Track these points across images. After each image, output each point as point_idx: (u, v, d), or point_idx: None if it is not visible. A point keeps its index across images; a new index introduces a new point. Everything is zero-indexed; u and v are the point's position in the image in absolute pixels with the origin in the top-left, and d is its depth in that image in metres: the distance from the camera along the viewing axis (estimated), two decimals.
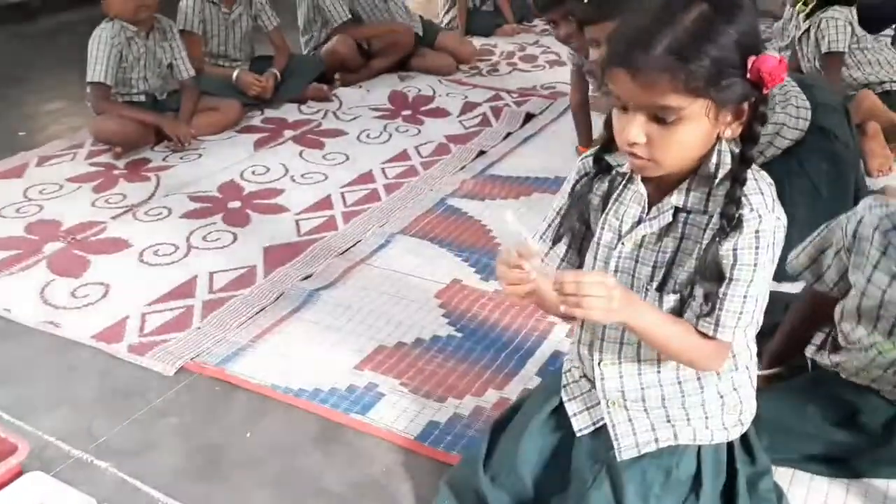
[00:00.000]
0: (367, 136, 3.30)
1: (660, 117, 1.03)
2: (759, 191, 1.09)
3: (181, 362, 1.89)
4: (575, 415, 1.30)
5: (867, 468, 1.49)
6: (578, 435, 1.28)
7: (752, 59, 1.01)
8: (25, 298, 2.18)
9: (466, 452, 1.54)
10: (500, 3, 4.82)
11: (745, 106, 1.06)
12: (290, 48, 3.76)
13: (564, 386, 1.33)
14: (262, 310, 2.10)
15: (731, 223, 1.06)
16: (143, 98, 3.20)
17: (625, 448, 1.23)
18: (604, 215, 1.21)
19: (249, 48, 3.70)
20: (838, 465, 1.49)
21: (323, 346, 1.95)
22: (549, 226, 1.27)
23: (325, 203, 2.72)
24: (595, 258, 1.22)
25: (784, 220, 1.10)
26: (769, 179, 1.12)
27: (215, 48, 3.58)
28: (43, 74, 4.16)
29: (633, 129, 1.05)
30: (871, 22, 3.17)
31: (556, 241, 1.25)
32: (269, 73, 3.57)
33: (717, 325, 1.11)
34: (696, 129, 1.05)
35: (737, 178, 1.08)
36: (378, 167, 2.99)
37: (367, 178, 2.91)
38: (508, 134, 3.26)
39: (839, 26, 2.92)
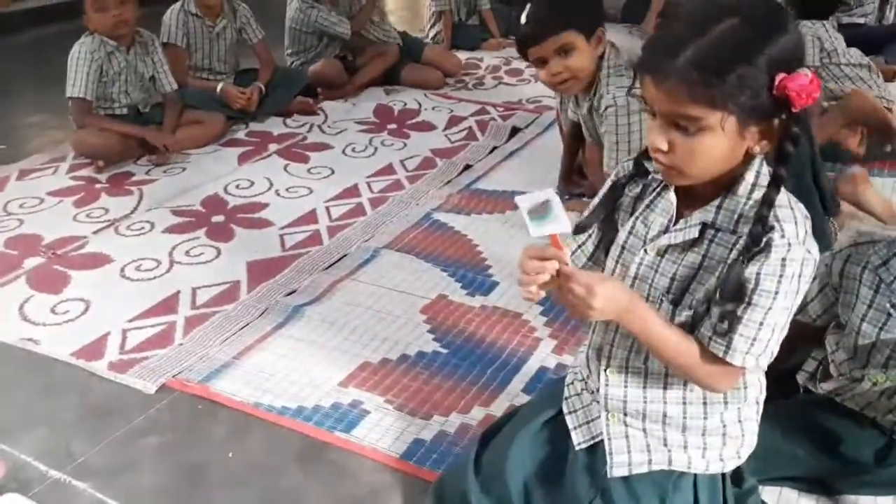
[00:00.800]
0: (353, 149, 3.29)
1: (682, 125, 1.04)
2: (794, 220, 1.07)
3: (163, 380, 1.86)
4: (574, 428, 1.28)
5: (855, 489, 1.48)
6: (577, 449, 1.27)
7: (780, 76, 1.00)
8: (4, 315, 2.14)
9: (456, 460, 1.51)
10: (485, 17, 4.83)
11: (776, 123, 1.05)
12: (275, 61, 3.75)
13: (566, 398, 1.32)
14: (245, 326, 2.08)
15: (756, 243, 1.05)
16: (125, 111, 3.18)
17: (616, 465, 1.21)
18: (631, 219, 1.20)
19: (234, 61, 3.68)
20: (826, 486, 1.49)
21: (307, 363, 1.93)
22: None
23: (310, 217, 2.70)
24: (616, 261, 1.21)
25: (815, 255, 1.08)
26: (805, 212, 1.10)
27: (199, 61, 3.56)
28: (25, 87, 4.13)
29: (657, 136, 1.06)
30: (863, 45, 3.21)
31: (576, 231, 1.24)
32: (254, 86, 3.56)
33: (728, 347, 1.09)
34: (719, 141, 1.04)
35: (765, 199, 1.06)
36: (363, 181, 2.98)
37: (352, 192, 2.90)
38: (494, 148, 3.25)
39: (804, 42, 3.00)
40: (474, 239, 2.51)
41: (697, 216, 1.12)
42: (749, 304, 1.07)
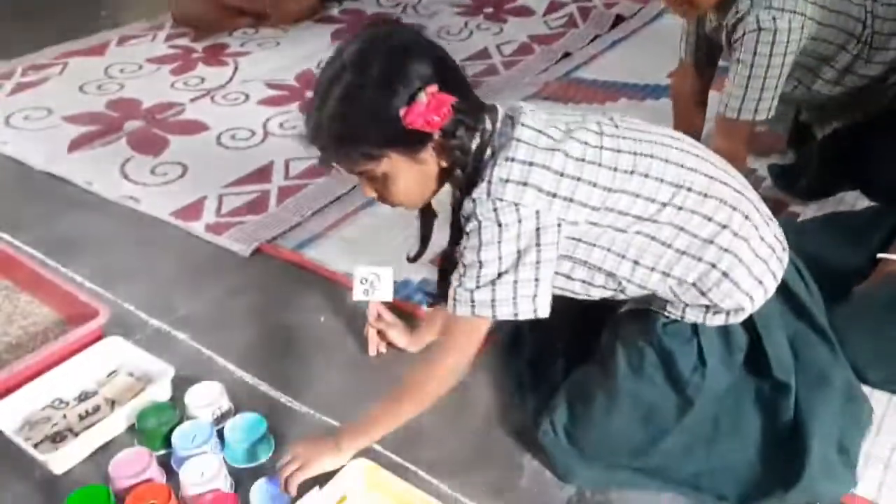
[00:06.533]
0: (447, 32, 3.19)
1: None
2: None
3: (257, 244, 1.89)
4: None
5: None
6: None
7: None
8: (106, 173, 2.20)
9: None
10: None
11: None
12: None
13: None
14: (337, 199, 2.08)
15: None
16: None
17: None
18: None
19: None
20: None
21: (398, 238, 1.91)
22: None
23: None
24: None
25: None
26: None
27: None
28: None
29: None
30: None
31: None
32: None
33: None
34: None
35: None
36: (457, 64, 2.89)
37: None
38: (596, 36, 3.10)
39: None
40: None
41: None
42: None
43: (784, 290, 1.23)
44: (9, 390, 1.41)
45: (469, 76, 2.75)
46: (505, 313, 1.12)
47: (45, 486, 1.30)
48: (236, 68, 2.86)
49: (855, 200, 1.97)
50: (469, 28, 3.22)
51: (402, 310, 1.66)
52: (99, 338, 1.54)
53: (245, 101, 2.62)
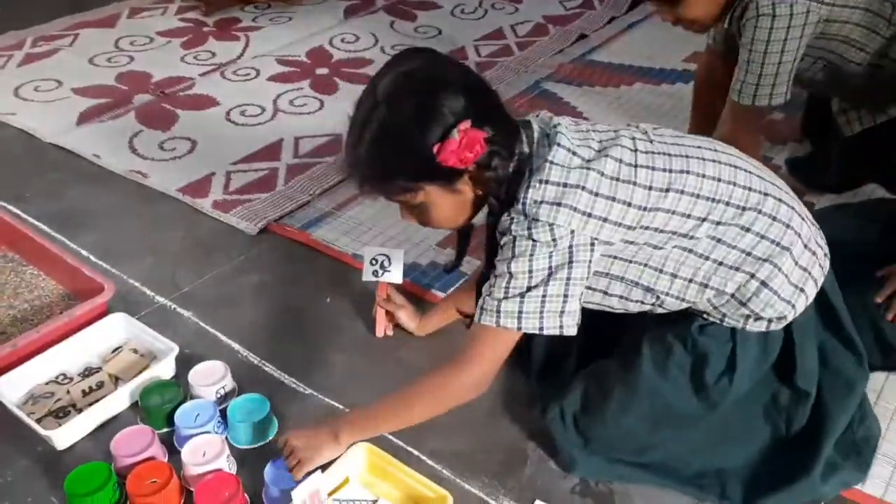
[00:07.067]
0: (462, 10, 3.15)
1: None
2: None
3: (265, 222, 1.88)
4: None
5: None
6: None
7: None
8: (114, 147, 2.18)
9: None
10: None
11: None
12: None
13: None
14: (345, 179, 2.06)
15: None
16: None
17: None
18: None
19: None
20: None
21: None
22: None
23: None
24: None
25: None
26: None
27: None
28: None
29: None
30: None
31: None
32: None
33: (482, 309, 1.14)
34: None
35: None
36: (471, 44, 2.86)
37: (458, 54, 2.79)
38: (613, 18, 3.06)
39: None
40: (585, 112, 2.39)
41: None
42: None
43: (821, 297, 1.21)
44: (13, 364, 1.40)
45: (483, 55, 2.73)
46: (530, 326, 1.10)
47: (48, 462, 1.30)
48: (247, 43, 2.83)
49: (871, 192, 1.93)
50: (484, 7, 3.18)
51: (412, 293, 1.65)
52: (104, 313, 1.53)
53: (255, 77, 2.59)
